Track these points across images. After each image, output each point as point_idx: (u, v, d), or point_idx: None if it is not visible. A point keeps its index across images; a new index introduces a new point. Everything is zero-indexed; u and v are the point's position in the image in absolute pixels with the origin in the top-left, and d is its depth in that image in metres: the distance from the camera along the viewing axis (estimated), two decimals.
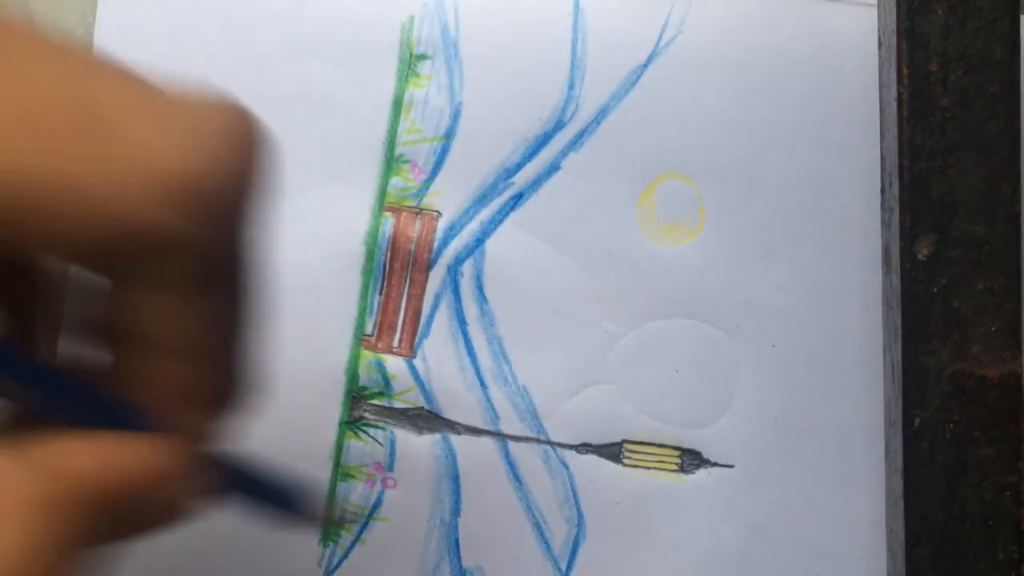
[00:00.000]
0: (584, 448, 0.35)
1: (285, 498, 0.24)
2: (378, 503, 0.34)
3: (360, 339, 0.34)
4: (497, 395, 0.34)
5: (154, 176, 0.16)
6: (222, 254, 0.18)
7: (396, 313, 0.34)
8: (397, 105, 0.34)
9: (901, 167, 0.31)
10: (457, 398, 0.34)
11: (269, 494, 0.24)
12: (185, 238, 0.17)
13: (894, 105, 0.31)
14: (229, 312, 0.19)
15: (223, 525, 0.34)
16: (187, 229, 0.17)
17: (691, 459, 0.34)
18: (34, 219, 0.16)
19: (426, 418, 0.34)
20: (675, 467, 0.34)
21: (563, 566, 0.34)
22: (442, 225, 0.35)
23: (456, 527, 0.34)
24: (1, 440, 0.17)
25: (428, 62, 0.34)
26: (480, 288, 0.35)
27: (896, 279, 0.32)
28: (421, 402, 0.34)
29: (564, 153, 0.34)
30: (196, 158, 0.17)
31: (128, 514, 0.19)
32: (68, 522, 0.17)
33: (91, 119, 0.16)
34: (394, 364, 0.35)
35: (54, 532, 0.17)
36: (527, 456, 0.34)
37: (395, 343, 0.35)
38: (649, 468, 0.34)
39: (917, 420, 0.31)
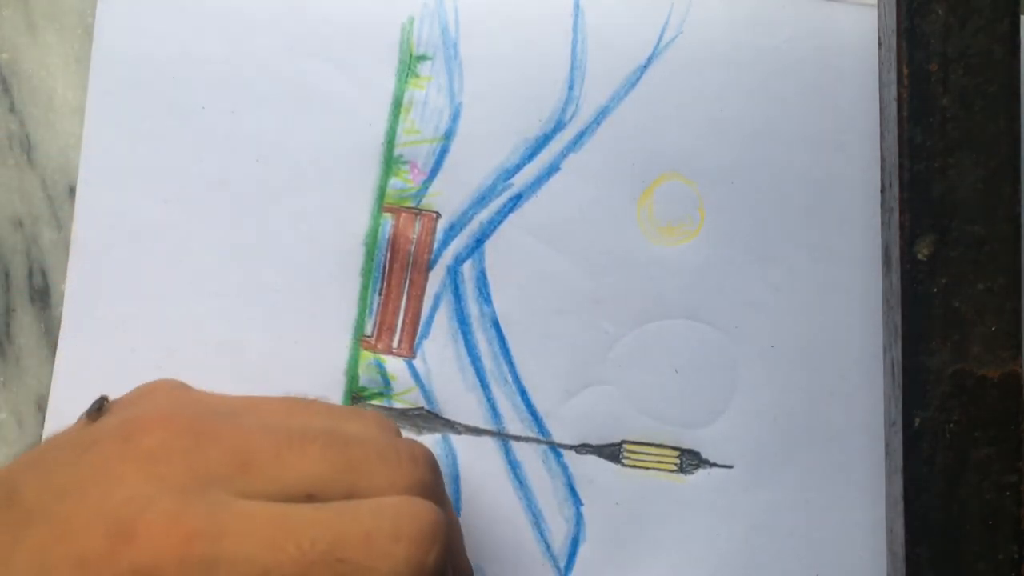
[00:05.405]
0: (584, 448, 0.35)
1: None
2: None
3: (360, 340, 0.34)
4: (497, 395, 0.35)
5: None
6: None
7: (396, 314, 0.34)
8: (397, 106, 0.34)
9: (901, 167, 0.31)
10: (457, 398, 0.34)
11: None
12: None
13: (894, 105, 0.31)
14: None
15: None
16: None
17: (690, 459, 0.34)
18: None
19: (426, 418, 0.35)
20: (674, 467, 0.34)
21: (562, 566, 0.34)
22: (442, 226, 0.35)
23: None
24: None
25: (428, 63, 0.34)
26: (480, 289, 0.35)
27: (896, 279, 0.32)
28: (421, 402, 0.34)
29: (564, 154, 0.34)
30: (412, 554, 0.24)
31: None
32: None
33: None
34: (394, 365, 0.35)
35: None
36: (527, 456, 0.34)
37: (395, 344, 0.35)
38: (648, 468, 0.34)
39: (917, 420, 0.31)
